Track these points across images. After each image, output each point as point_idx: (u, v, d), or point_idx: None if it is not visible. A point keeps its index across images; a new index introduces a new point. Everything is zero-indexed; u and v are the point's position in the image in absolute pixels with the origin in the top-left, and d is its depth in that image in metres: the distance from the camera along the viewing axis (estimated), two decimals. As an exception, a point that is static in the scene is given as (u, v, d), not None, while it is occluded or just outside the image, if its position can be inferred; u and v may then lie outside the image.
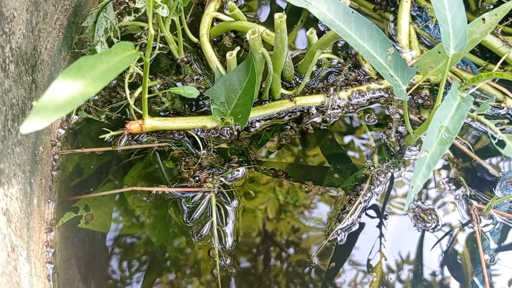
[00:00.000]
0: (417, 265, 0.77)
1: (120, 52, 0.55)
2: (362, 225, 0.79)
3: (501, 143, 0.66)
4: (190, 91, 0.77)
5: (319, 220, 0.79)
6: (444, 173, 0.83)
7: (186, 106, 0.88)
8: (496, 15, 0.75)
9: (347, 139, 0.87)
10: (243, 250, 0.76)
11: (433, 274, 0.76)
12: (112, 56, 0.53)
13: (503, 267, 0.77)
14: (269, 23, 0.97)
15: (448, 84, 0.90)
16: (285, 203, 0.81)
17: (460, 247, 0.78)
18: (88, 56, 0.49)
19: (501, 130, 0.65)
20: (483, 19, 0.74)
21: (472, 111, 0.70)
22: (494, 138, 0.64)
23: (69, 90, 0.46)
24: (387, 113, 0.88)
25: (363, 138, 0.87)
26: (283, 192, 0.81)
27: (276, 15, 0.73)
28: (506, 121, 0.86)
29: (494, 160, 0.85)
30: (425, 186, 0.82)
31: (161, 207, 0.79)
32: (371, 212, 0.80)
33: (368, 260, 0.77)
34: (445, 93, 0.66)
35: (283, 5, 1.01)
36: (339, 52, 0.95)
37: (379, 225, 0.79)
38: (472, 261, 0.77)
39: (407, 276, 0.76)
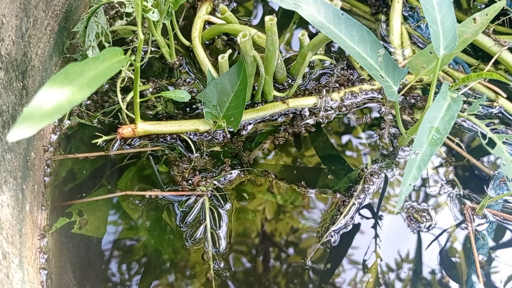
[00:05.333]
0: (413, 265, 0.77)
1: (109, 58, 0.55)
2: (357, 226, 0.79)
3: (493, 143, 0.66)
4: (181, 95, 0.77)
5: (314, 221, 0.79)
6: (437, 173, 0.83)
7: (180, 110, 0.87)
8: (487, 14, 0.75)
9: (341, 140, 0.87)
10: (238, 252, 0.76)
11: (429, 274, 0.76)
12: (100, 62, 0.53)
13: (498, 266, 0.77)
14: (261, 25, 0.97)
15: (440, 84, 0.90)
16: (281, 204, 0.81)
17: (454, 246, 0.78)
18: (75, 63, 0.49)
19: (493, 129, 0.65)
20: (474, 19, 0.74)
21: (464, 110, 0.71)
22: (485, 138, 0.64)
23: (56, 98, 0.46)
24: (380, 114, 0.88)
25: (356, 139, 0.87)
26: (277, 194, 0.81)
27: (267, 18, 0.74)
28: (496, 120, 0.86)
29: (488, 159, 0.85)
30: (419, 186, 0.82)
31: (155, 211, 0.79)
32: (366, 213, 0.80)
33: (364, 260, 0.77)
34: (436, 94, 0.66)
35: (276, 7, 1.01)
36: (332, 53, 0.95)
37: (374, 226, 0.79)
38: (466, 260, 0.77)
39: (402, 276, 0.76)
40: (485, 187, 0.82)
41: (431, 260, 0.77)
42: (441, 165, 0.84)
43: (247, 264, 0.76)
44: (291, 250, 0.77)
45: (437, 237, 0.78)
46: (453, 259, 0.77)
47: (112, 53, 0.55)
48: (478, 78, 0.66)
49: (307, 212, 0.80)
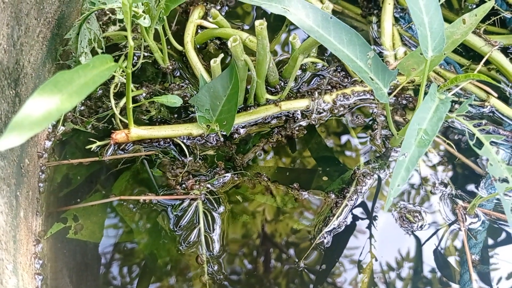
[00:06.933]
0: (409, 264, 0.77)
1: (98, 65, 0.55)
2: (351, 227, 0.79)
3: (481, 143, 0.66)
4: (173, 100, 0.77)
5: (308, 222, 0.80)
6: (429, 172, 0.84)
7: (174, 114, 0.88)
8: (476, 15, 0.75)
9: (334, 141, 0.88)
10: (232, 255, 0.77)
11: (428, 272, 0.76)
12: (89, 70, 0.53)
13: (491, 264, 0.77)
14: (254, 29, 0.97)
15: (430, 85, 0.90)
16: (276, 206, 0.81)
17: (447, 246, 0.78)
18: (64, 71, 0.50)
19: (481, 130, 0.66)
20: (464, 19, 0.75)
21: (455, 111, 0.71)
22: (473, 138, 0.65)
23: (46, 106, 0.47)
24: (372, 116, 0.89)
25: (350, 140, 0.88)
26: (271, 196, 0.82)
27: (257, 22, 0.74)
28: (485, 121, 0.87)
29: (480, 159, 0.85)
30: (411, 186, 0.83)
31: (150, 215, 0.79)
32: (360, 214, 0.80)
33: (359, 260, 0.77)
34: (427, 94, 0.66)
35: (268, 11, 1.02)
36: (325, 56, 0.95)
37: (369, 226, 0.79)
38: (459, 259, 0.77)
39: (399, 276, 0.76)
40: (476, 186, 0.82)
41: (424, 260, 0.77)
42: (433, 165, 0.85)
43: (246, 266, 0.76)
44: (291, 251, 0.78)
45: (430, 237, 0.79)
46: (446, 258, 0.78)
47: (101, 61, 0.56)
48: (466, 79, 0.66)
49: (302, 214, 0.80)
